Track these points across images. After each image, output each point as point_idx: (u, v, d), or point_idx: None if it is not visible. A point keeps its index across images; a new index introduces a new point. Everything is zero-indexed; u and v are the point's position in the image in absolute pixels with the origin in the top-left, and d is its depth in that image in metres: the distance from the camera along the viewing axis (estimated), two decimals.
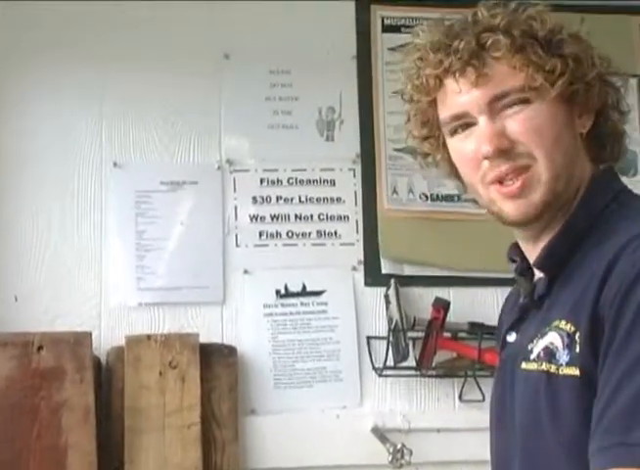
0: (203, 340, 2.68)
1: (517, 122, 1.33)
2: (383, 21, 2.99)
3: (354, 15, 2.97)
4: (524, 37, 1.33)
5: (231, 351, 2.71)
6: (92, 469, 2.49)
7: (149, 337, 2.65)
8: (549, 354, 1.27)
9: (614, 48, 3.14)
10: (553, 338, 1.28)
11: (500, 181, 1.35)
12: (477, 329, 2.75)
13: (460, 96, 1.36)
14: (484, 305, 2.86)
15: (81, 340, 2.58)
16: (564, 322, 1.26)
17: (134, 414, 2.57)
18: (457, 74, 1.35)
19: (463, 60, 1.34)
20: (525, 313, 1.44)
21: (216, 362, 2.67)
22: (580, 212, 1.36)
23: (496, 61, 1.33)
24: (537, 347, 1.31)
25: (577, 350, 1.22)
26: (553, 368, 1.26)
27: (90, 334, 2.60)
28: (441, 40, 1.38)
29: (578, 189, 1.38)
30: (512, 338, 1.45)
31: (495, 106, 1.34)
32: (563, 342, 1.25)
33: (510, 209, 1.36)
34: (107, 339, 2.69)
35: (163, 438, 2.58)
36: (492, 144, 1.33)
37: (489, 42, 1.33)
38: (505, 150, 1.33)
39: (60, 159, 2.78)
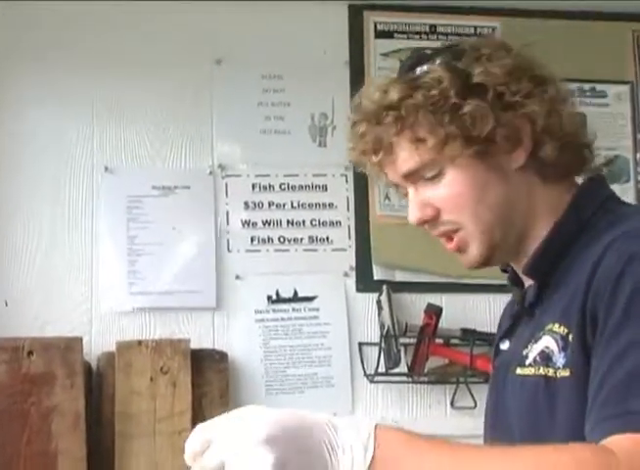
0: (194, 345, 2.67)
1: (435, 192, 1.37)
2: (375, 26, 2.99)
3: (347, 20, 2.97)
4: (416, 111, 1.34)
5: (222, 356, 2.71)
6: None
7: (140, 342, 2.64)
8: (545, 359, 1.27)
9: (607, 54, 3.17)
10: (547, 342, 1.28)
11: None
12: (469, 335, 2.76)
13: (385, 169, 1.43)
14: (477, 311, 2.86)
15: (72, 345, 2.57)
16: (557, 325, 1.27)
17: (125, 420, 2.56)
18: (369, 155, 1.41)
19: (369, 145, 1.39)
20: (518, 321, 1.44)
21: (208, 368, 2.67)
22: (568, 220, 1.36)
23: (395, 140, 1.36)
24: (532, 352, 1.31)
25: (570, 350, 1.23)
26: (551, 372, 1.26)
27: (81, 339, 2.59)
28: (353, 120, 1.42)
29: (548, 211, 1.38)
30: (505, 345, 1.45)
31: (413, 178, 1.38)
32: (558, 345, 1.25)
33: (460, 259, 1.42)
34: (97, 344, 2.68)
35: (154, 444, 2.57)
36: (416, 216, 1.38)
37: (383, 125, 1.36)
38: (430, 219, 1.38)
39: (52, 163, 2.78)
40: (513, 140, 1.34)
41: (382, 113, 1.36)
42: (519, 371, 1.33)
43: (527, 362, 1.31)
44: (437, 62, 1.36)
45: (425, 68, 1.36)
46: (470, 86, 1.33)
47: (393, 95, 1.35)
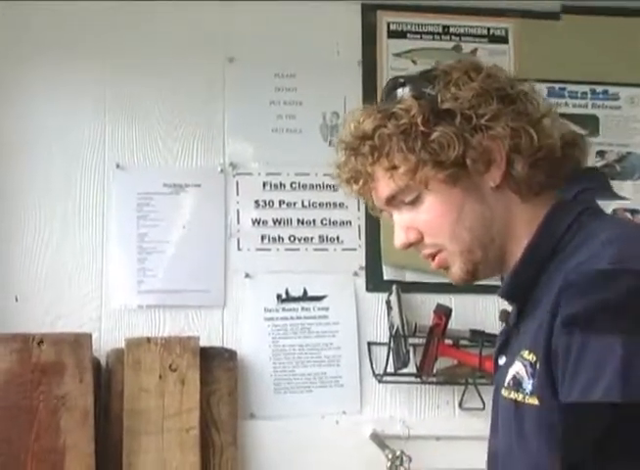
0: (203, 343, 2.67)
1: (416, 217, 1.42)
2: (388, 26, 2.99)
3: (360, 20, 2.97)
4: (389, 140, 1.38)
5: (231, 354, 2.71)
6: None
7: (149, 339, 2.65)
8: (517, 384, 1.32)
9: (620, 57, 3.15)
10: (519, 368, 1.32)
11: None
12: (478, 336, 2.75)
13: (369, 196, 1.49)
14: (486, 312, 2.86)
15: (81, 341, 2.57)
16: (527, 352, 1.30)
17: (133, 417, 2.57)
18: (351, 184, 1.47)
19: (350, 174, 1.46)
20: (509, 338, 1.47)
21: (216, 366, 2.67)
22: (540, 240, 1.38)
23: (373, 169, 1.42)
24: (509, 375, 1.35)
25: (537, 380, 1.27)
26: (520, 397, 1.30)
27: (90, 335, 2.60)
28: (337, 151, 1.49)
29: (526, 226, 1.40)
30: (502, 360, 1.48)
31: (394, 203, 1.44)
32: (527, 371, 1.29)
33: (447, 276, 1.47)
34: (107, 341, 2.69)
35: (162, 441, 2.57)
36: (401, 240, 1.45)
37: (361, 154, 1.42)
38: (415, 242, 1.44)
39: (62, 160, 2.78)
40: (485, 161, 1.37)
41: (358, 143, 1.42)
42: (502, 391, 1.38)
43: (505, 385, 1.36)
44: (408, 90, 1.41)
45: (397, 96, 1.42)
46: (439, 112, 1.37)
47: (367, 125, 1.40)
